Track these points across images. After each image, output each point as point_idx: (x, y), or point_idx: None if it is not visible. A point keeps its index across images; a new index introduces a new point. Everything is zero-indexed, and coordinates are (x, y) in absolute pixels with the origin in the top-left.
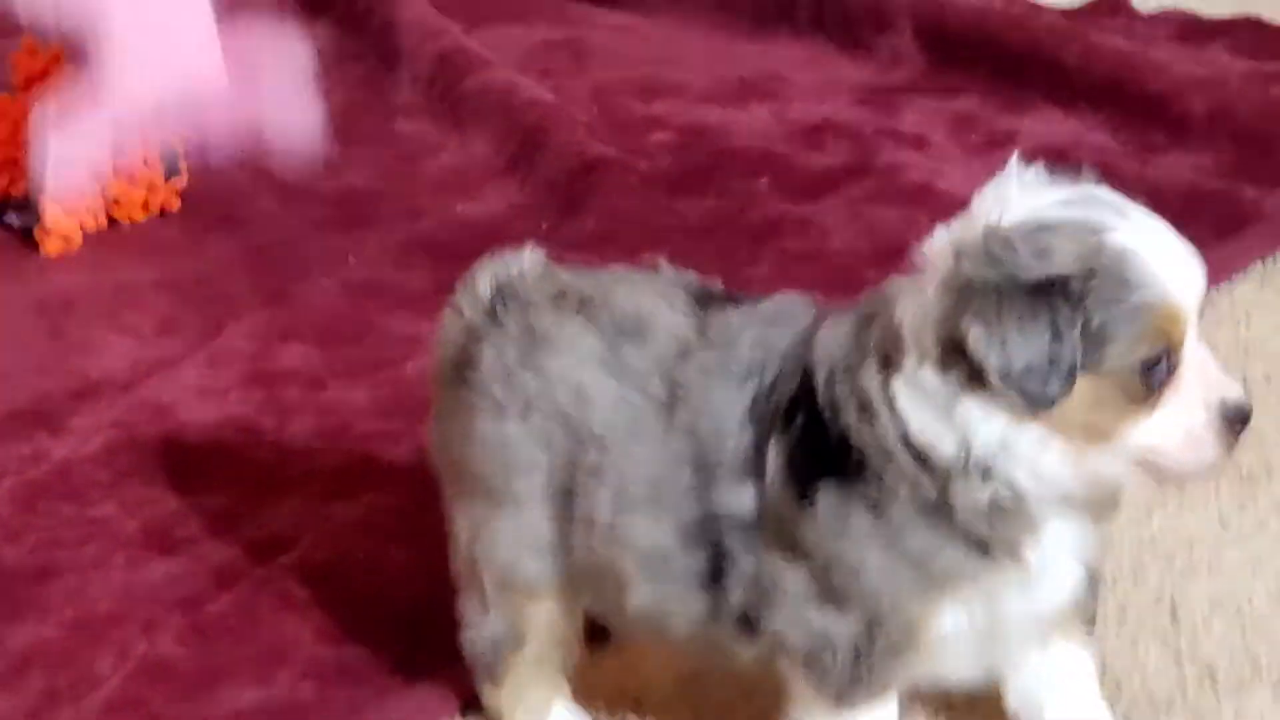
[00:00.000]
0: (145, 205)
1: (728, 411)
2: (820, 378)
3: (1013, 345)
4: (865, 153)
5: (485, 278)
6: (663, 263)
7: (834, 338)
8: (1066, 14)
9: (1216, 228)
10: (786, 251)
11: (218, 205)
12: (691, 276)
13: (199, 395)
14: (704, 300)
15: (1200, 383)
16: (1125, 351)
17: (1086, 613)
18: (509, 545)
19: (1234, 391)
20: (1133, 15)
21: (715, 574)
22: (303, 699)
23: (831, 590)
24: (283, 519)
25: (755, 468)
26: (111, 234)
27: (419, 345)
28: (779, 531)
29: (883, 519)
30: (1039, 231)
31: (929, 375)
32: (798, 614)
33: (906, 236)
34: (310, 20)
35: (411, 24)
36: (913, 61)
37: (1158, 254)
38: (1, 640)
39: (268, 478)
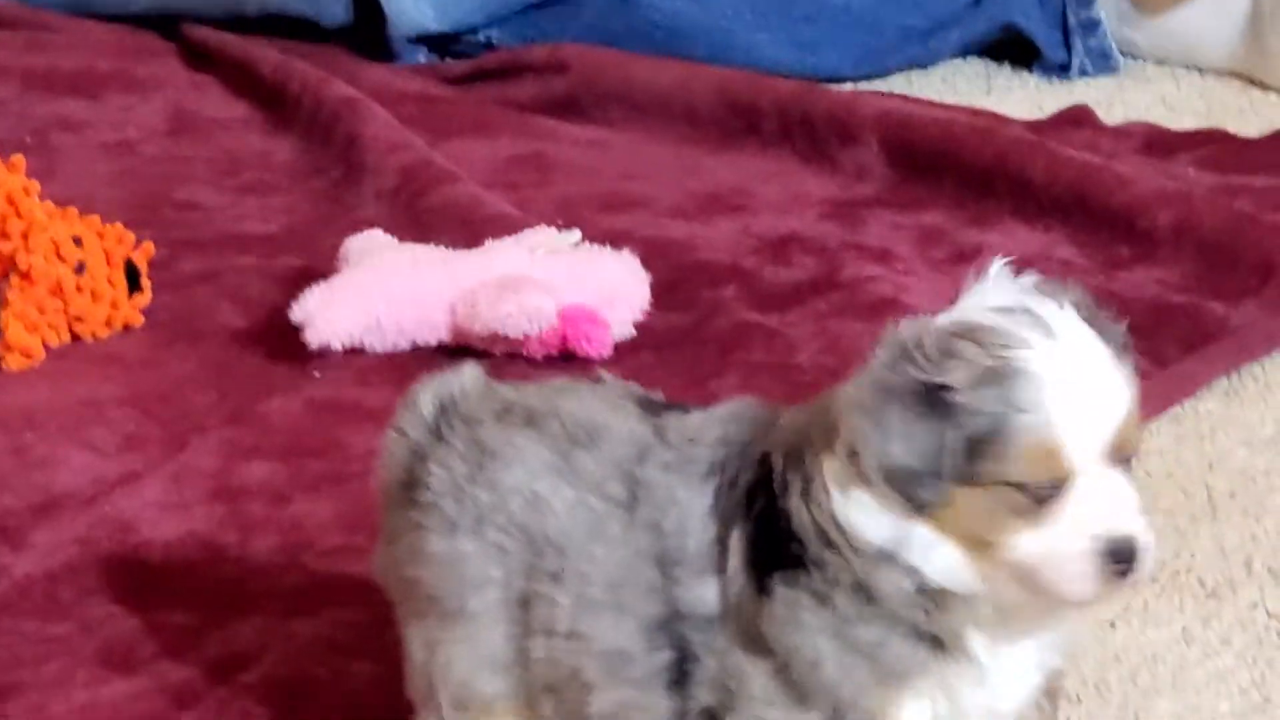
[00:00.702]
0: (108, 321)
1: (691, 507)
2: (776, 465)
3: (890, 444)
4: (831, 267)
5: (427, 397)
6: (604, 374)
7: (791, 426)
8: (1032, 126)
9: (1182, 342)
10: (752, 364)
11: (181, 322)
12: (635, 386)
13: (162, 511)
14: (653, 408)
15: (1092, 511)
16: (1003, 470)
17: None
18: (465, 663)
19: (1125, 529)
20: (1099, 128)
21: (680, 676)
22: None
23: (793, 685)
24: (245, 636)
25: (717, 562)
26: (74, 350)
27: None
28: (741, 627)
29: (829, 609)
30: (955, 337)
31: (842, 465)
32: (762, 715)
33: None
34: (273, 135)
35: (375, 138)
36: (878, 175)
37: (1061, 382)
38: None
39: (230, 594)
